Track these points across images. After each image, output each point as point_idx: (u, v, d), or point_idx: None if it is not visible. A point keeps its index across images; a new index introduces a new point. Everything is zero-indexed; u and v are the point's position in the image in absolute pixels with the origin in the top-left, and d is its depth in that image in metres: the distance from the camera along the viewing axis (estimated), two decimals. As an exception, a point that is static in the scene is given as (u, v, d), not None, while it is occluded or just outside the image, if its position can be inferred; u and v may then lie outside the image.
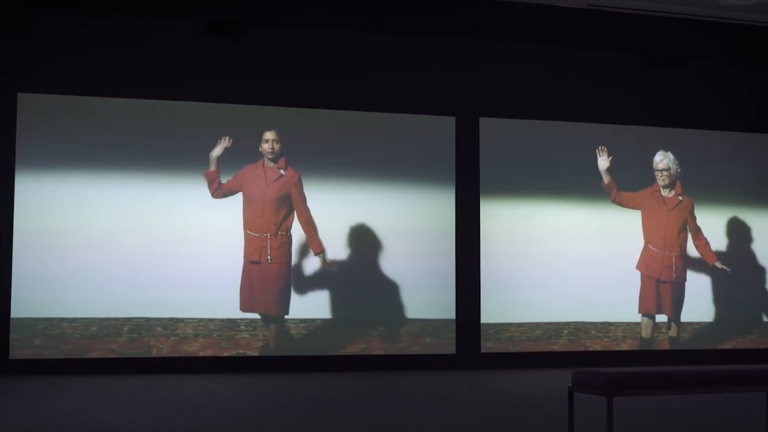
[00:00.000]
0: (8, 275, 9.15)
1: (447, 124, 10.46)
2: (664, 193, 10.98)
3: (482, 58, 10.58)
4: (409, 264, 10.16)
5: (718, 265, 11.05)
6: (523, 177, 10.60)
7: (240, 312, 9.66)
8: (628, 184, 10.89)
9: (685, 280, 10.95)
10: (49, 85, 9.47)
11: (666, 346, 10.87)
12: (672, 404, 6.57)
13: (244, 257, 9.71)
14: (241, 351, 9.65)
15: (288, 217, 9.85)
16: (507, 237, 10.49)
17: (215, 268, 9.62)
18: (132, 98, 9.64)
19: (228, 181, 9.75)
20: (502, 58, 10.64)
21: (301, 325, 9.86)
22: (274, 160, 9.88)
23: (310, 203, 9.92)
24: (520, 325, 10.46)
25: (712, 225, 11.14)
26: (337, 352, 9.93)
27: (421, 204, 10.31)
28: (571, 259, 10.61)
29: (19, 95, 9.39)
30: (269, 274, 9.77)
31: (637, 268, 10.83)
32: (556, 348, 10.51)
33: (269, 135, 9.89)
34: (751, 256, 11.32)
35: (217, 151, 9.73)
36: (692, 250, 11.00)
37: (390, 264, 10.15)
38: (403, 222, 10.21)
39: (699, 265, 11.05)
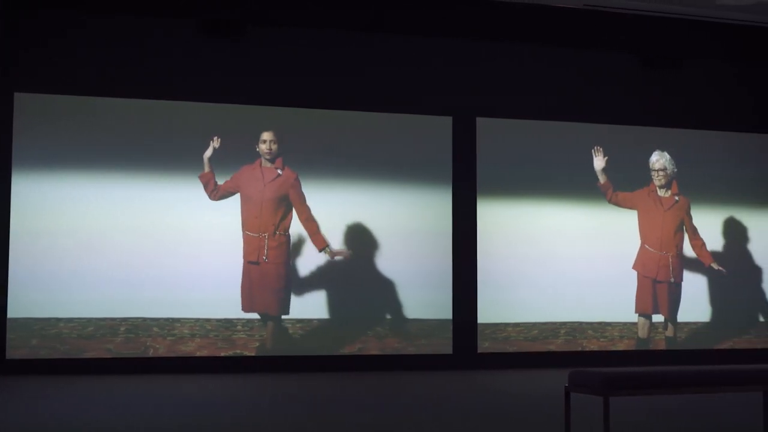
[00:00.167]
0: (5, 275, 9.14)
1: (444, 124, 10.47)
2: (661, 193, 10.99)
3: (479, 58, 10.58)
4: (406, 264, 10.17)
5: (714, 266, 11.07)
6: (520, 177, 10.61)
7: (237, 312, 9.65)
8: (625, 184, 10.90)
9: (681, 280, 10.96)
10: (46, 85, 9.46)
11: (662, 346, 10.88)
12: (669, 404, 6.58)
13: (243, 258, 9.72)
14: (238, 351, 9.65)
15: (286, 217, 9.85)
16: (504, 237, 10.50)
17: (212, 268, 9.61)
18: (129, 98, 9.62)
19: (225, 182, 9.74)
20: (498, 58, 10.65)
21: (298, 325, 9.86)
22: (272, 160, 9.88)
23: (307, 203, 9.93)
24: (517, 325, 10.46)
25: (709, 225, 11.15)
26: (334, 352, 9.93)
27: (418, 204, 10.32)
28: (568, 259, 10.62)
29: (16, 95, 9.38)
30: (268, 274, 9.77)
31: (634, 268, 10.84)
32: (552, 348, 10.52)
33: (266, 135, 9.89)
34: (748, 257, 11.34)
35: (207, 153, 9.73)
36: (688, 250, 11.02)
37: (387, 264, 10.15)
38: (400, 222, 10.21)
39: (695, 265, 11.06)
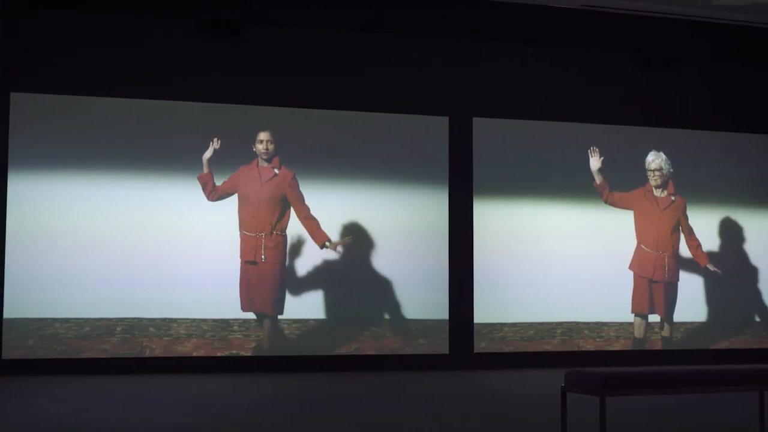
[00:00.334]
0: (1, 275, 9.13)
1: (440, 124, 10.47)
2: (657, 193, 11.00)
3: (475, 58, 10.59)
4: (402, 264, 10.17)
5: (710, 267, 11.08)
6: (516, 177, 10.61)
7: (234, 312, 9.64)
8: (621, 184, 10.91)
9: (677, 280, 10.97)
10: (42, 85, 9.44)
11: (659, 346, 10.89)
12: (665, 404, 6.59)
13: (241, 257, 9.71)
14: (234, 351, 9.64)
15: (283, 217, 9.85)
16: (500, 237, 10.50)
17: (208, 268, 9.61)
18: (127, 98, 9.61)
19: (223, 183, 9.74)
20: (495, 59, 10.65)
21: (294, 325, 9.85)
22: (268, 160, 9.88)
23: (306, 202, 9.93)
24: (513, 325, 10.47)
25: (705, 225, 11.17)
26: (330, 352, 9.93)
27: (415, 204, 10.32)
28: (564, 259, 10.62)
29: (12, 95, 9.36)
30: (265, 273, 9.77)
31: (630, 268, 10.85)
32: (549, 348, 10.53)
33: (263, 135, 9.89)
34: (744, 256, 11.35)
35: (207, 154, 9.72)
36: (685, 250, 11.03)
37: (383, 264, 10.15)
38: (396, 222, 10.21)
39: (691, 266, 11.07)
